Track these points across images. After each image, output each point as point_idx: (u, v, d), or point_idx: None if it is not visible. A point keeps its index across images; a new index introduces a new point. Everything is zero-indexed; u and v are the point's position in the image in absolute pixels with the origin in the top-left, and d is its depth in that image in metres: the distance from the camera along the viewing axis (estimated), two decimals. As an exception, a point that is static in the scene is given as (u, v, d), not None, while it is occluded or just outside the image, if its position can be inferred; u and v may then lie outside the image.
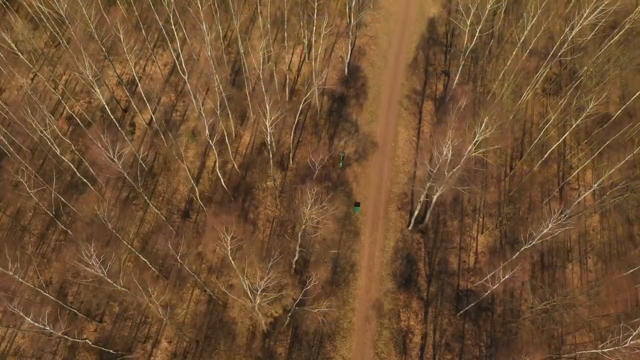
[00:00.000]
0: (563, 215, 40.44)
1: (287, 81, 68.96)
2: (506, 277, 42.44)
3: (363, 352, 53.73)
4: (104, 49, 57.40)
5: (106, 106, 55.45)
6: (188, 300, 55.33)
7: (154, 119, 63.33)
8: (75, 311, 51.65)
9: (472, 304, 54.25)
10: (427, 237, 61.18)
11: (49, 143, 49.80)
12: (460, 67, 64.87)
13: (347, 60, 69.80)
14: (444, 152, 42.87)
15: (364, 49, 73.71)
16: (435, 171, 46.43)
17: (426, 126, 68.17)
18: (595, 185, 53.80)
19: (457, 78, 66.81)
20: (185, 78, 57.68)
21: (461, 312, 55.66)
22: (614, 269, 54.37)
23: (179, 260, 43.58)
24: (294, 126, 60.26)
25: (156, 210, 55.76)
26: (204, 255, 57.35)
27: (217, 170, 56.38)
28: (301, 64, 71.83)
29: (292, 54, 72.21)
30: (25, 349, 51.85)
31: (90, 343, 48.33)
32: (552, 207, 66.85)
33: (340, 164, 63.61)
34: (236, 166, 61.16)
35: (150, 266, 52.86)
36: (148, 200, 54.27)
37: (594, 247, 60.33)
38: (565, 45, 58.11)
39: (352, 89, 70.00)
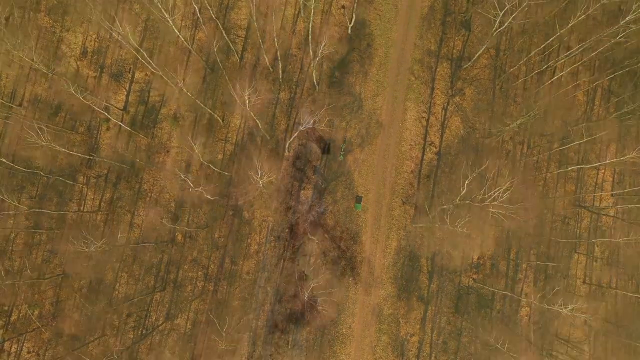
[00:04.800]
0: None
1: (281, 63, 58.87)
2: None
3: (362, 358, 55.17)
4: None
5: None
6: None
7: (123, 119, 55.45)
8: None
9: (470, 320, 54.08)
10: (432, 229, 58.34)
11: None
12: (481, 50, 54.79)
13: (351, 24, 58.50)
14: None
15: (371, -7, 61.41)
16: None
17: (439, 97, 60.11)
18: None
19: (479, 52, 56.84)
20: (159, 73, 49.06)
21: (460, 314, 55.76)
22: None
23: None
24: (290, 137, 53.21)
25: (145, 244, 52.26)
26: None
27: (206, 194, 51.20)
28: (296, 19, 60.53)
29: (285, 5, 60.40)
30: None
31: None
32: (566, 189, 63.61)
33: (341, 155, 57.49)
34: (226, 161, 55.58)
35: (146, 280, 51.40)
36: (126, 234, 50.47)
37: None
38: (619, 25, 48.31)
39: (356, 51, 60.06)
